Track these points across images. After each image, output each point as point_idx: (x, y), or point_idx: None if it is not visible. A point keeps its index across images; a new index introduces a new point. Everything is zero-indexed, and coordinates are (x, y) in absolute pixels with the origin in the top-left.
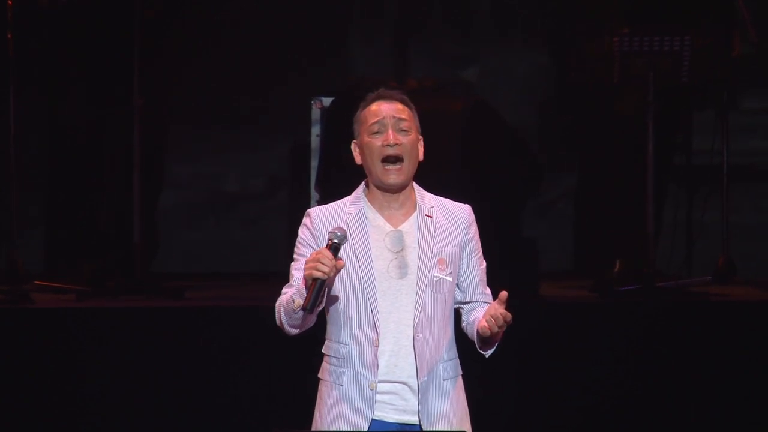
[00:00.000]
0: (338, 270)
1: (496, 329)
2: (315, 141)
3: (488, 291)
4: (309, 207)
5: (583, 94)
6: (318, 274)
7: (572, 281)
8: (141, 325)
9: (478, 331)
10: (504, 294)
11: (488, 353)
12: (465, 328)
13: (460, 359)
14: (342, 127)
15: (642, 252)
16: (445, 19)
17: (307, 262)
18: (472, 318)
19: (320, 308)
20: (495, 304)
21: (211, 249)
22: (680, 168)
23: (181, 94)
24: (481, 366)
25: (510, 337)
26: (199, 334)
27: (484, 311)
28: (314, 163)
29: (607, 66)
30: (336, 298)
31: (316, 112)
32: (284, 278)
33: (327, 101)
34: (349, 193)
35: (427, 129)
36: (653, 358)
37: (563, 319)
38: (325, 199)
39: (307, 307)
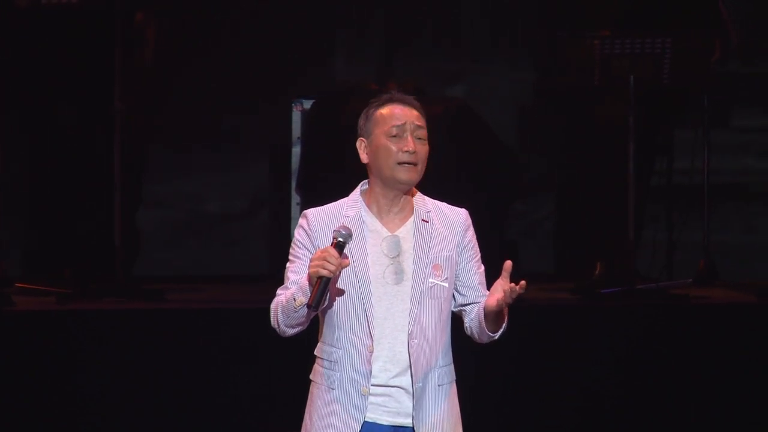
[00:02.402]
0: (344, 268)
1: (510, 300)
2: (296, 144)
3: (488, 293)
4: (289, 225)
5: (566, 99)
6: (324, 272)
7: (553, 284)
8: (123, 328)
9: (485, 312)
10: (509, 263)
11: (497, 334)
12: (469, 328)
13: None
14: (322, 129)
15: (623, 254)
16: (433, 33)
17: (312, 260)
18: (474, 314)
19: (324, 306)
20: (499, 280)
21: (192, 268)
22: (662, 173)
23: (162, 112)
24: (465, 368)
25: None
26: (181, 336)
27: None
28: (295, 166)
29: (588, 68)
30: (331, 302)
31: (296, 115)
32: (267, 282)
33: (308, 104)
34: (330, 194)
35: None
36: (636, 359)
37: (545, 322)
38: (306, 201)
39: (312, 305)
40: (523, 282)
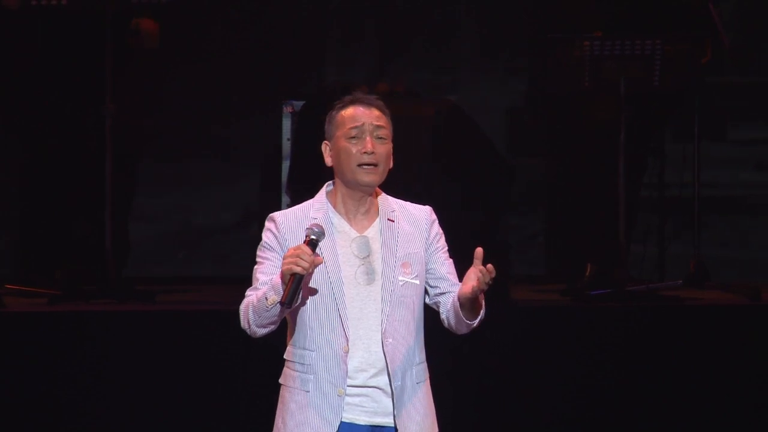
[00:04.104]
0: (316, 265)
1: (485, 286)
2: (286, 145)
3: (461, 283)
4: None
5: (557, 102)
6: (297, 269)
7: (544, 285)
8: (114, 329)
9: (461, 301)
10: (479, 250)
11: (475, 322)
12: (446, 320)
13: (428, 363)
14: (312, 130)
15: (613, 256)
16: (424, 38)
17: (285, 257)
18: (450, 304)
19: (297, 305)
20: (472, 268)
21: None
22: (654, 175)
23: (152, 119)
24: (453, 369)
25: (481, 341)
26: (172, 337)
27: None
28: (285, 168)
29: (578, 71)
30: (303, 305)
31: (287, 116)
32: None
33: (298, 105)
34: None
35: (399, 133)
36: (626, 360)
37: (536, 323)
38: (295, 202)
39: (286, 302)
40: (489, 265)
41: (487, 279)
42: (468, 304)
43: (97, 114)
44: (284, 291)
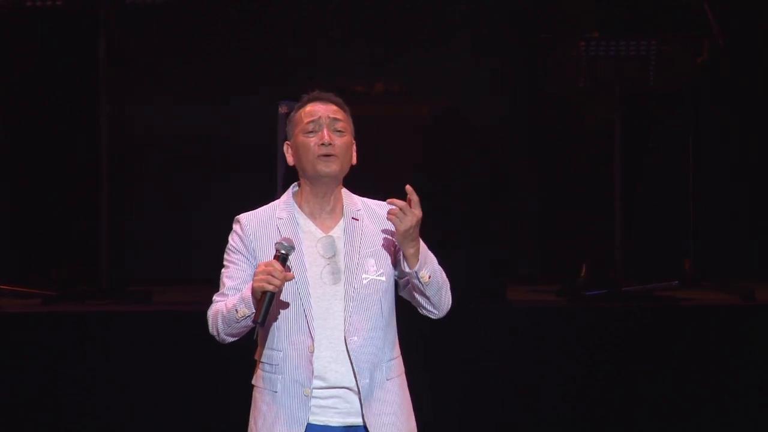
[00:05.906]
0: (288, 281)
1: (408, 222)
2: (281, 145)
3: None
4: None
5: (553, 102)
6: (270, 287)
7: (539, 286)
8: (109, 330)
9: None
10: (408, 188)
11: (423, 273)
12: (411, 300)
13: (408, 360)
14: None
15: (609, 257)
16: (421, 37)
17: (256, 274)
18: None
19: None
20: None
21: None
22: (651, 175)
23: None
24: (450, 369)
25: (477, 341)
26: (167, 338)
27: None
28: (280, 168)
29: (574, 71)
30: (274, 317)
31: (282, 117)
32: None
33: (292, 105)
34: None
35: (393, 134)
36: (623, 361)
37: (531, 323)
38: None
39: (259, 321)
40: (412, 196)
41: (408, 215)
42: (403, 249)
43: (93, 114)
44: (257, 309)
